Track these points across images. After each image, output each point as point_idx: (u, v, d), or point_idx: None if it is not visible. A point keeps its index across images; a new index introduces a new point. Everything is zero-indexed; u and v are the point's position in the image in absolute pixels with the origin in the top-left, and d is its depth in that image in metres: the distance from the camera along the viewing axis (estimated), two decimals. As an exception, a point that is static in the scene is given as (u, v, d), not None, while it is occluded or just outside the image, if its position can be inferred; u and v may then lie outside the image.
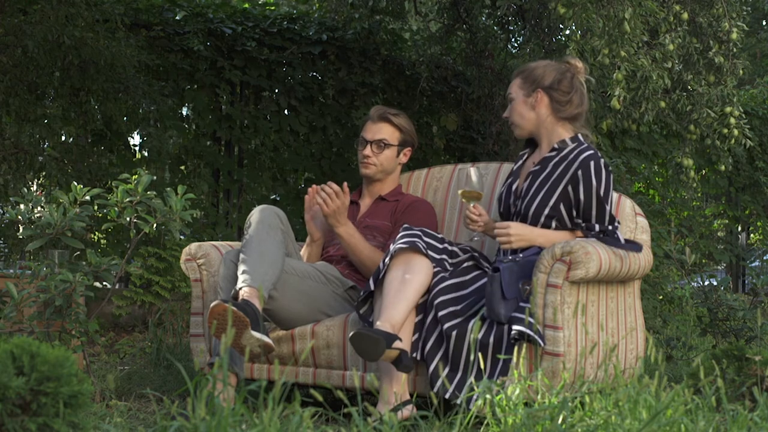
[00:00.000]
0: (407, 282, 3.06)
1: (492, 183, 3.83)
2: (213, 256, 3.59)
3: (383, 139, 3.78)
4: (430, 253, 3.16)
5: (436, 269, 3.16)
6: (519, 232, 3.21)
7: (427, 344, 3.08)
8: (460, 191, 3.34)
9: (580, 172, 3.22)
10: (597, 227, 3.22)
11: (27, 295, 3.37)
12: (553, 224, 3.27)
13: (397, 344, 2.96)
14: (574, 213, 3.25)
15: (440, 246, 3.24)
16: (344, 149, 7.18)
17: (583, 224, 3.24)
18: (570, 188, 3.24)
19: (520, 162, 3.46)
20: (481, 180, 3.26)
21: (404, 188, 4.01)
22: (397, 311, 3.02)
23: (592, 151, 3.25)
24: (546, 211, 3.25)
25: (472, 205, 3.31)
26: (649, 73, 4.65)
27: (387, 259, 3.12)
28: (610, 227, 3.23)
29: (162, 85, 6.36)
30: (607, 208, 3.22)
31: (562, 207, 3.25)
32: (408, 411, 2.96)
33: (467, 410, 2.80)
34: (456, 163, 4.05)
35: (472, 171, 3.24)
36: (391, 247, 3.15)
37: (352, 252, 3.60)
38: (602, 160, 3.25)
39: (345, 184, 3.59)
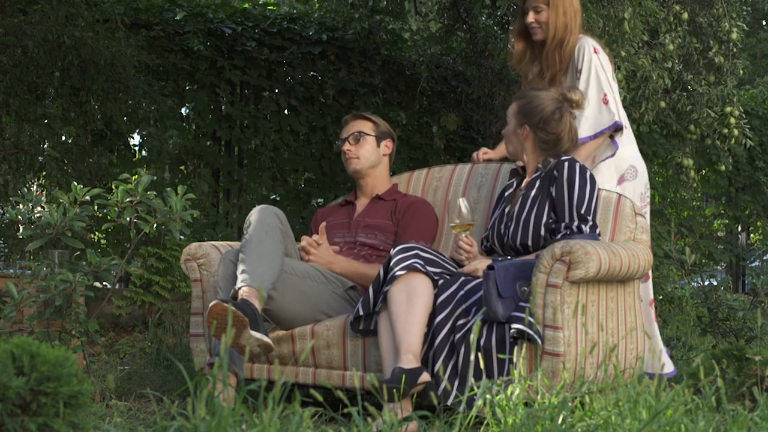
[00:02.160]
0: (413, 304, 3.10)
1: (492, 183, 3.84)
2: (213, 256, 3.59)
3: (359, 131, 3.83)
4: (429, 268, 3.19)
5: (440, 283, 3.19)
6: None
7: (438, 359, 3.08)
8: (451, 224, 3.38)
9: (555, 172, 3.31)
10: (562, 227, 3.25)
11: (27, 295, 3.37)
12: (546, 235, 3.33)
13: (422, 378, 2.99)
14: (553, 215, 3.30)
15: (438, 259, 3.26)
16: (344, 149, 7.18)
17: (554, 226, 3.28)
18: (551, 191, 3.32)
19: (511, 190, 3.53)
20: (470, 210, 3.34)
21: (404, 188, 4.02)
22: (413, 337, 3.06)
23: (570, 157, 3.34)
24: (543, 223, 3.30)
25: (464, 235, 3.36)
26: (649, 73, 4.65)
27: (386, 288, 3.15)
28: (581, 225, 3.24)
29: (162, 85, 6.36)
30: (576, 204, 3.25)
31: (554, 214, 3.32)
32: (414, 426, 2.94)
33: (467, 410, 2.80)
34: (456, 163, 4.05)
35: (462, 202, 3.31)
36: (390, 273, 3.17)
37: (357, 277, 3.62)
38: (579, 164, 3.32)
39: (323, 225, 3.66)
